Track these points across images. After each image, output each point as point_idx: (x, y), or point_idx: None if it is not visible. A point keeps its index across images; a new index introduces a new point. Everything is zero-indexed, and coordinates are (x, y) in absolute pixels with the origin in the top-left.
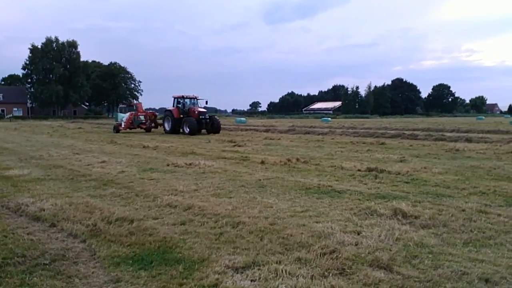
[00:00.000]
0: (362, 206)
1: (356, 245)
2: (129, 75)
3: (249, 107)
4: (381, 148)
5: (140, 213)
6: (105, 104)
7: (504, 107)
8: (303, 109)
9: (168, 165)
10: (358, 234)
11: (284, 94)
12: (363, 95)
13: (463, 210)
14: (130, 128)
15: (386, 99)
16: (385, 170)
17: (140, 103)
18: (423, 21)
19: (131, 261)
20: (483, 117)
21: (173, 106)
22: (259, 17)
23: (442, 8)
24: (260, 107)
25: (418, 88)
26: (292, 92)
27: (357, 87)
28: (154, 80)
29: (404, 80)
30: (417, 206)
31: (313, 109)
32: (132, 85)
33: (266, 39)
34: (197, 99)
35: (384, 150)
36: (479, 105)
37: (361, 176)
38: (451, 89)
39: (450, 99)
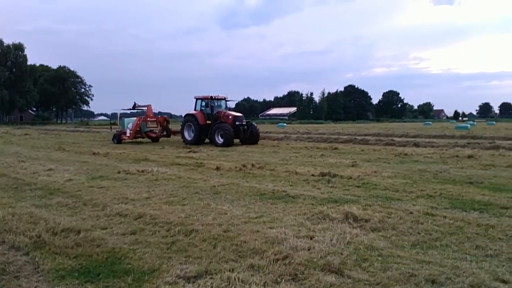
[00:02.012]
0: (315, 211)
1: (308, 250)
2: (79, 79)
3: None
4: (334, 153)
5: (88, 223)
6: (54, 109)
7: (450, 113)
8: (259, 115)
9: (119, 172)
10: (311, 238)
11: (240, 100)
12: (317, 101)
13: (411, 213)
14: (136, 138)
15: (339, 105)
16: (337, 175)
17: (150, 105)
18: (374, 30)
19: (77, 274)
20: (430, 123)
21: (195, 109)
22: (215, 22)
23: (392, 17)
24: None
25: (369, 94)
26: (248, 97)
27: (312, 93)
28: (106, 84)
29: (356, 86)
30: (367, 210)
31: (269, 115)
32: (83, 90)
33: (221, 44)
34: (226, 101)
35: (337, 155)
36: (426, 111)
37: (315, 181)
38: (400, 95)
39: (399, 105)
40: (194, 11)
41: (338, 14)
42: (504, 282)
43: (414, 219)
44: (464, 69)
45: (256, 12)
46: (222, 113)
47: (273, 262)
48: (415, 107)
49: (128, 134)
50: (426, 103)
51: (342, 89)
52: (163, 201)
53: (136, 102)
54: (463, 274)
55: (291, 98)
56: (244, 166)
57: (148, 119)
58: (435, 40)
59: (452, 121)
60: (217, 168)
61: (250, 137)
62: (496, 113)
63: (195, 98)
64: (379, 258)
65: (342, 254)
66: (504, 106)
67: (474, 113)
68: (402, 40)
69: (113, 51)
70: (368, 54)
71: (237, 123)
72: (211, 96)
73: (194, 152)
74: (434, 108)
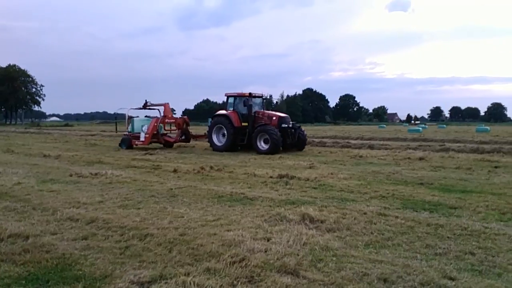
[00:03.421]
0: (273, 213)
1: (265, 251)
2: (30, 79)
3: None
4: (292, 155)
5: (37, 229)
6: (3, 109)
7: (403, 116)
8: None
9: (71, 175)
10: (268, 240)
11: (199, 101)
12: (277, 104)
13: (365, 213)
14: (150, 142)
15: (297, 107)
16: (295, 177)
17: (167, 104)
18: (331, 35)
19: (24, 282)
20: (385, 126)
21: (227, 108)
22: (173, 22)
23: (349, 23)
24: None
25: (327, 98)
26: (207, 99)
27: (271, 96)
28: (60, 84)
29: (314, 90)
30: (323, 211)
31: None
32: (33, 90)
33: (180, 45)
34: (263, 99)
35: (295, 157)
36: (381, 114)
37: (273, 182)
38: (356, 99)
39: (355, 109)
40: (152, 10)
41: (297, 18)
42: (452, 279)
43: (368, 219)
44: (416, 74)
45: (215, 13)
46: (261, 113)
47: (230, 265)
48: (370, 111)
49: (142, 139)
50: (381, 106)
51: (301, 92)
52: (117, 205)
53: (147, 100)
54: (414, 273)
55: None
56: (202, 168)
57: (167, 120)
58: (389, 45)
59: (405, 124)
60: (175, 171)
61: (298, 142)
62: (446, 117)
63: (226, 95)
64: (334, 258)
65: (298, 255)
66: (454, 110)
67: (426, 116)
68: (358, 45)
69: (67, 50)
70: (326, 58)
71: (283, 125)
72: (250, 93)
73: (151, 154)
74: (388, 111)
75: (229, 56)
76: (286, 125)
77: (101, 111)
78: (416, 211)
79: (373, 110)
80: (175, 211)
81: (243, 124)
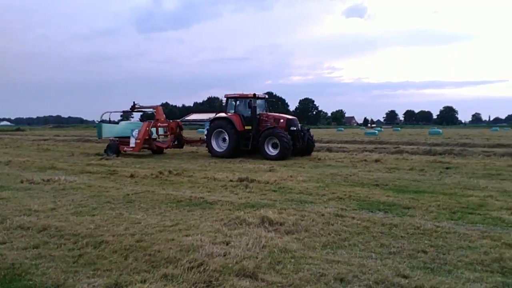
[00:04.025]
0: (232, 216)
1: (224, 255)
2: None
3: (120, 118)
4: (252, 158)
5: None
6: None
7: (360, 119)
8: (179, 120)
9: (22, 182)
10: (227, 244)
11: (158, 105)
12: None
13: (323, 215)
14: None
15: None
16: (255, 180)
17: (159, 107)
18: (291, 39)
19: None
20: (343, 129)
21: (228, 111)
22: (131, 24)
23: (308, 28)
24: (133, 117)
25: (287, 101)
26: (166, 102)
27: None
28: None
29: (274, 93)
30: (282, 213)
31: (188, 120)
32: None
33: (138, 48)
34: (266, 100)
35: (255, 161)
36: (339, 118)
37: (233, 186)
38: (315, 103)
39: (314, 112)
40: (109, 12)
41: (257, 22)
42: (405, 277)
43: (325, 220)
44: (373, 79)
45: (175, 16)
46: (265, 115)
47: (188, 270)
48: (329, 114)
49: (133, 144)
50: (339, 110)
51: None
52: (71, 212)
53: (136, 102)
54: (369, 272)
55: (211, 103)
56: (160, 173)
57: (159, 124)
58: (347, 51)
59: (362, 128)
60: (132, 176)
61: (307, 147)
62: (401, 120)
63: (226, 97)
64: (292, 260)
65: (257, 258)
66: (408, 114)
67: (382, 120)
68: (317, 50)
69: (19, 51)
70: (285, 62)
71: (291, 128)
72: (254, 94)
73: (107, 159)
74: (346, 115)
75: (189, 59)
76: (295, 128)
77: (54, 114)
78: (372, 212)
79: (332, 113)
80: (132, 217)
81: (246, 127)
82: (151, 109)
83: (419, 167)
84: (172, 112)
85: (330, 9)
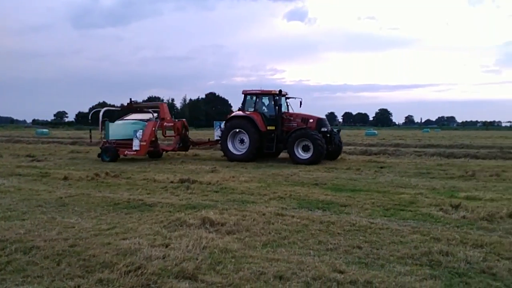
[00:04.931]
0: (172, 218)
1: (163, 258)
2: None
3: (53, 117)
4: (195, 159)
5: None
6: None
7: None
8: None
9: None
10: (167, 246)
11: (95, 104)
12: (179, 107)
13: (264, 214)
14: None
15: (201, 111)
16: (197, 181)
17: (164, 103)
18: (234, 40)
19: None
20: None
21: (247, 109)
22: (66, 20)
23: (251, 29)
24: (67, 117)
25: (230, 102)
26: (104, 101)
27: (173, 99)
28: None
29: (217, 94)
30: (224, 214)
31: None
32: None
33: (74, 45)
34: (287, 98)
35: (197, 161)
36: None
37: (173, 187)
38: None
39: None
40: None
41: (199, 21)
42: (341, 272)
43: (266, 220)
44: (313, 82)
45: (113, 12)
46: (289, 114)
47: (124, 274)
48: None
49: (137, 147)
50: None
51: (204, 96)
52: None
53: (133, 100)
54: (307, 268)
55: None
56: (96, 175)
57: (166, 123)
58: (289, 53)
59: None
60: (65, 178)
61: (336, 148)
62: (340, 122)
63: (244, 93)
64: (233, 260)
65: (197, 259)
66: (347, 115)
67: None
68: (260, 51)
69: None
70: (228, 63)
71: (322, 129)
72: (280, 91)
73: (39, 161)
74: None
75: (128, 57)
76: (326, 129)
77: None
78: (311, 210)
79: (225, 116)
80: (65, 221)
81: (268, 128)
82: (152, 108)
83: (355, 167)
84: (110, 112)
85: (272, 12)
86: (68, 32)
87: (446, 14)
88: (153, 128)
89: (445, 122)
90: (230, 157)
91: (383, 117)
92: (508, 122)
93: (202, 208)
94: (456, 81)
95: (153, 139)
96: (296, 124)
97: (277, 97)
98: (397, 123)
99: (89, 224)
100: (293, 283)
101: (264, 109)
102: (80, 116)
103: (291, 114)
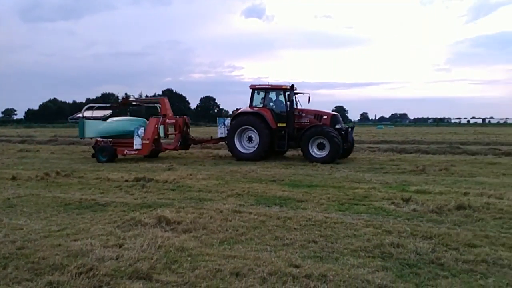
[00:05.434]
0: (127, 218)
1: (116, 259)
2: None
3: (1, 115)
4: (150, 158)
5: None
6: None
7: None
8: (69, 118)
9: None
10: (120, 247)
11: (45, 101)
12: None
13: (221, 212)
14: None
15: (157, 108)
16: (153, 179)
17: (166, 99)
18: (191, 36)
19: None
20: None
21: (255, 105)
22: (13, 13)
23: (208, 25)
24: (16, 114)
25: (187, 99)
26: (55, 98)
27: (128, 96)
28: None
29: (174, 91)
30: (180, 212)
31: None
32: None
33: (22, 39)
34: (296, 93)
35: (154, 159)
36: None
37: (128, 186)
38: (216, 101)
39: (216, 110)
40: None
41: (155, 16)
42: (297, 267)
43: (224, 217)
44: (271, 79)
45: (64, 5)
46: (299, 110)
47: (76, 276)
48: (230, 112)
49: (138, 146)
50: (240, 108)
51: (160, 92)
52: None
53: (129, 94)
54: (263, 264)
55: (106, 100)
56: (47, 174)
57: (168, 120)
58: (247, 50)
59: None
60: (13, 178)
61: (348, 148)
62: None
63: (252, 88)
64: (189, 258)
65: (152, 259)
66: None
67: None
68: (218, 48)
69: None
70: (186, 59)
71: (336, 126)
72: (292, 85)
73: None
74: None
75: (81, 53)
76: (340, 126)
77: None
78: (268, 206)
79: (233, 111)
80: (13, 222)
81: (279, 125)
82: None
83: (312, 163)
84: (62, 109)
85: (230, 8)
86: (16, 25)
87: (399, 14)
88: (156, 125)
89: (398, 119)
90: (238, 156)
91: (340, 114)
92: (458, 118)
93: (158, 207)
94: (409, 79)
95: (156, 137)
96: (308, 121)
97: (289, 93)
98: (352, 120)
99: (38, 225)
100: (250, 279)
101: (272, 105)
102: (30, 113)
103: (303, 110)
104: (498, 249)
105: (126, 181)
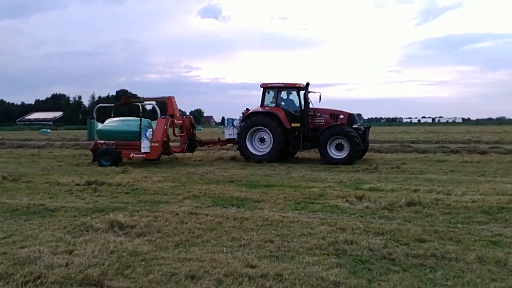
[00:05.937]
0: (77, 223)
1: (66, 266)
2: None
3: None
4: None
5: None
6: None
7: (218, 119)
8: (17, 120)
9: None
10: (70, 253)
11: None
12: (87, 105)
13: (177, 214)
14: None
15: (111, 110)
16: (105, 183)
17: (173, 98)
18: (146, 36)
19: None
20: (201, 128)
21: (267, 104)
22: None
23: (163, 25)
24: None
25: None
26: (2, 100)
27: (80, 97)
28: None
29: (129, 91)
30: (134, 216)
31: (29, 120)
32: None
33: None
34: (307, 92)
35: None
36: (197, 117)
37: (79, 190)
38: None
39: None
40: None
41: (108, 15)
42: (253, 267)
43: (179, 219)
44: (229, 79)
45: (11, 3)
46: (313, 109)
47: (22, 285)
48: (188, 113)
49: (147, 149)
50: (197, 109)
51: (114, 93)
52: None
53: (128, 92)
54: (219, 265)
55: (56, 101)
56: None
57: (176, 121)
58: (204, 51)
59: (220, 127)
60: None
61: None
62: None
63: (263, 86)
64: (143, 263)
65: (103, 264)
66: None
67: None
68: (174, 48)
69: None
70: (141, 59)
71: (354, 125)
72: (307, 84)
73: None
74: (205, 114)
75: (29, 52)
76: (357, 125)
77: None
78: (225, 207)
79: (190, 112)
80: None
81: (293, 125)
82: (154, 102)
83: (269, 163)
84: (10, 111)
85: (185, 8)
86: None
87: (353, 16)
88: (165, 127)
89: None
90: (250, 158)
91: None
92: (409, 118)
93: (110, 211)
94: (363, 80)
95: (165, 139)
96: (323, 121)
97: (304, 92)
98: None
99: None
100: (205, 281)
101: (283, 104)
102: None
103: (318, 110)
104: (446, 243)
105: (77, 185)
